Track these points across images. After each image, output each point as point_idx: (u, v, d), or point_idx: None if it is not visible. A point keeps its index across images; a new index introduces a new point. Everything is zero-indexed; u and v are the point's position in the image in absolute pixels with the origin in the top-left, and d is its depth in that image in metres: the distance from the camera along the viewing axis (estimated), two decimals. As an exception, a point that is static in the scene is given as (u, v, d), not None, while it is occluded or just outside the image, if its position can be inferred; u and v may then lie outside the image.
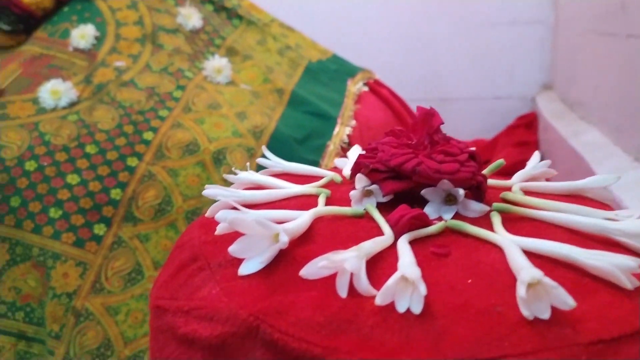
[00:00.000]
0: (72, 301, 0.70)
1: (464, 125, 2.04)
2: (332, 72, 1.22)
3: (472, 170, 0.40)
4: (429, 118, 0.42)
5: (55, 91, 0.85)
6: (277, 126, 0.91)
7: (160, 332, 0.33)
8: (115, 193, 0.76)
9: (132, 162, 0.79)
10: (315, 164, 0.92)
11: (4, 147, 0.77)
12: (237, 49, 1.07)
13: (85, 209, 0.75)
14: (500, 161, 0.48)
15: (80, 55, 0.95)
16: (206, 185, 0.43)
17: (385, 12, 2.06)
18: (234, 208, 0.39)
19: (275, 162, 0.57)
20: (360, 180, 0.44)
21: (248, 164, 0.61)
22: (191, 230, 0.41)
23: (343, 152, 0.97)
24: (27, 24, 1.00)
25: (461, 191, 0.39)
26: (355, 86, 1.16)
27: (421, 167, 0.39)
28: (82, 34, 0.96)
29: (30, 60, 0.94)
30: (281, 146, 0.89)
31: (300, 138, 0.93)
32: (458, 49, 2.05)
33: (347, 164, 0.55)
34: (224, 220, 0.36)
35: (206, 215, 0.43)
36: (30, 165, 0.76)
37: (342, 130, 0.99)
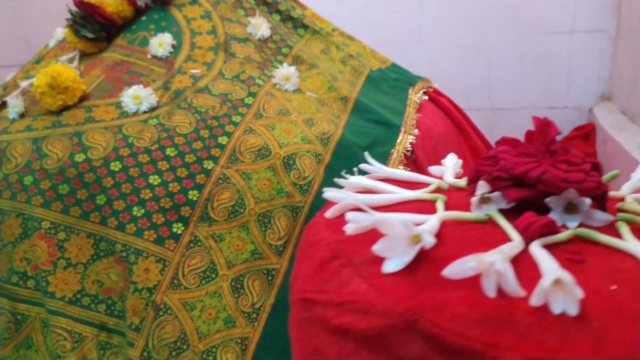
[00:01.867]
0: (152, 296, 0.74)
1: (517, 135, 2.00)
2: (393, 80, 1.23)
3: (597, 180, 0.41)
4: (545, 128, 0.44)
5: (137, 96, 0.89)
6: (343, 133, 0.94)
7: (309, 322, 0.35)
8: (193, 194, 0.80)
9: (208, 165, 0.82)
10: (380, 171, 0.93)
11: (91, 148, 0.83)
12: (303, 58, 1.10)
13: (165, 209, 0.79)
14: (616, 172, 0.49)
15: (158, 63, 1.00)
16: (325, 189, 0.46)
17: (439, 21, 2.06)
18: (358, 209, 0.42)
19: (378, 168, 0.59)
20: (482, 187, 0.45)
21: (356, 169, 0.63)
22: (317, 230, 0.43)
23: (406, 160, 0.98)
24: (108, 32, 1.06)
25: (588, 200, 0.40)
26: (416, 95, 1.17)
27: (547, 175, 0.40)
28: (161, 43, 1.01)
29: (112, 66, 1.00)
30: (347, 153, 0.91)
31: (364, 145, 0.95)
32: (512, 58, 2.02)
33: (446, 171, 0.56)
34: (357, 221, 0.38)
35: (327, 216, 0.45)
36: (115, 166, 0.81)
37: (405, 139, 1.00)
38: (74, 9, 1.07)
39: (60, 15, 2.31)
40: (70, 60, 1.05)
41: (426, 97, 1.20)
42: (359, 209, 0.40)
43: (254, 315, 0.77)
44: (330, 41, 1.21)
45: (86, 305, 0.76)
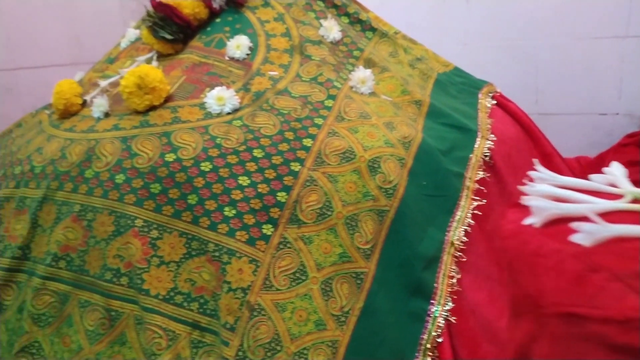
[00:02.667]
0: (246, 296, 0.74)
1: (565, 141, 1.96)
2: (459, 84, 1.22)
3: None
4: None
5: (221, 98, 0.90)
6: (423, 137, 0.93)
7: (580, 339, 0.34)
8: (281, 196, 0.80)
9: (295, 166, 0.83)
10: (460, 176, 0.93)
11: (181, 148, 0.84)
12: (375, 61, 1.10)
13: (255, 210, 0.79)
14: None
15: (235, 65, 1.01)
16: (524, 197, 0.46)
17: (485, 24, 2.04)
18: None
19: (550, 176, 0.58)
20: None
21: (544, 169, 0.61)
22: (534, 239, 0.43)
23: (485, 165, 0.97)
24: (184, 34, 1.08)
25: None
26: (486, 99, 1.16)
27: None
28: (238, 45, 1.02)
29: (191, 68, 1.01)
30: (428, 157, 0.91)
31: (444, 150, 0.94)
32: (561, 62, 1.98)
33: (622, 181, 0.55)
34: (593, 233, 0.37)
35: (536, 225, 0.44)
36: (205, 166, 0.82)
37: (482, 144, 1.00)
38: (150, 9, 1.09)
39: (110, 15, 2.35)
40: (148, 61, 1.06)
41: (494, 102, 1.18)
42: (578, 219, 0.40)
43: (343, 319, 0.77)
44: (397, 44, 1.21)
45: (179, 303, 0.77)
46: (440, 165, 0.91)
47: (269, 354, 0.72)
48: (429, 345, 0.77)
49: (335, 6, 1.20)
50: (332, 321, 0.76)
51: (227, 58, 1.02)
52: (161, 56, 1.07)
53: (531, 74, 2.05)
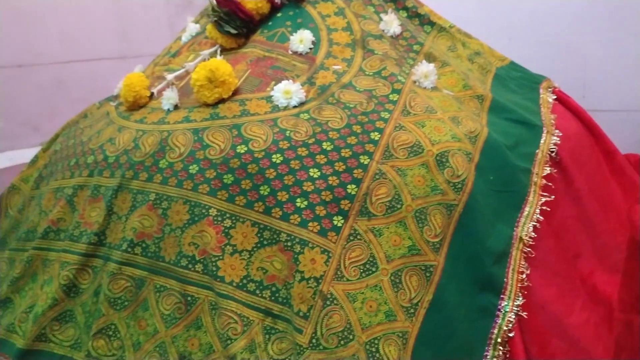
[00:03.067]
0: (319, 285, 0.76)
1: (613, 138, 1.93)
2: (518, 79, 1.21)
3: None
4: None
5: (288, 91, 0.92)
6: (489, 132, 0.93)
7: None
8: (351, 188, 0.82)
9: (364, 160, 0.84)
10: (527, 171, 0.92)
11: (251, 140, 0.86)
12: (435, 55, 1.10)
13: (326, 201, 0.81)
14: None
15: (299, 59, 1.02)
16: None
17: (531, 18, 2.00)
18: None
19: None
20: None
21: None
22: None
23: (551, 161, 0.96)
24: (248, 28, 1.10)
25: None
26: (547, 95, 1.15)
27: None
28: (301, 39, 1.03)
29: (255, 62, 1.03)
30: (495, 153, 0.91)
31: (509, 145, 0.94)
32: (610, 57, 1.93)
33: None
34: None
35: None
36: (276, 158, 0.83)
37: (548, 139, 0.99)
38: (214, 4, 1.11)
39: (155, 10, 2.39)
40: (212, 55, 1.09)
41: (555, 97, 1.17)
42: None
43: (412, 311, 0.78)
44: (456, 38, 1.20)
45: (252, 290, 0.79)
46: (507, 160, 0.90)
47: (342, 342, 0.74)
48: (499, 340, 0.77)
49: (393, 0, 1.20)
50: (402, 312, 0.77)
51: (290, 52, 1.04)
52: (224, 50, 1.10)
53: (579, 70, 2.00)
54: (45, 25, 1.75)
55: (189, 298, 0.81)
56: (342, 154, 0.84)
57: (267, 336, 0.78)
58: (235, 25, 1.07)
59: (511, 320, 0.78)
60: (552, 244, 0.87)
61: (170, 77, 1.07)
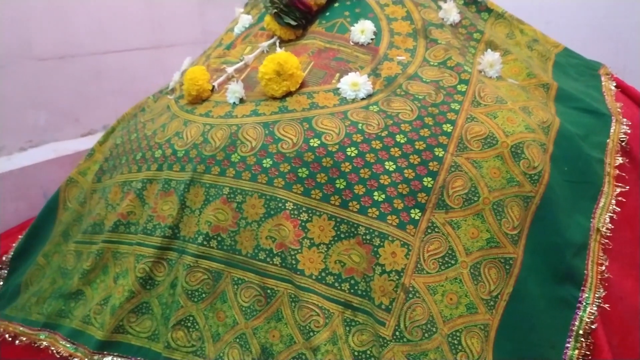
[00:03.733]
0: (401, 278, 0.76)
1: None
2: (576, 66, 1.19)
3: None
4: None
5: (355, 83, 0.92)
6: (561, 122, 0.92)
7: None
8: (427, 181, 0.81)
9: (438, 152, 0.83)
10: (601, 162, 0.91)
11: (324, 134, 0.86)
12: (497, 43, 1.08)
13: (403, 194, 0.81)
14: None
15: (361, 50, 1.01)
16: None
17: (568, 1, 1.96)
18: None
19: None
20: None
21: None
22: None
23: (621, 150, 0.95)
24: (306, 20, 1.09)
25: None
26: (609, 82, 1.13)
27: None
28: (362, 30, 1.02)
29: (317, 53, 1.02)
30: (568, 143, 0.90)
31: (581, 135, 0.92)
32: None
33: None
34: None
35: None
36: (351, 151, 0.83)
37: (618, 128, 0.97)
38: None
39: (187, 1, 2.38)
40: (271, 47, 1.09)
41: (615, 84, 1.15)
42: None
43: (492, 303, 0.78)
44: (513, 25, 1.18)
45: (330, 283, 0.80)
46: (581, 151, 0.89)
47: (426, 334, 0.74)
48: (581, 332, 0.77)
49: (449, -13, 1.18)
50: (482, 305, 0.78)
51: (351, 43, 1.03)
52: (283, 42, 1.09)
53: (618, 54, 1.96)
54: (80, 17, 1.76)
55: (269, 291, 0.82)
56: (416, 147, 0.84)
57: (347, 328, 0.78)
58: (294, 17, 1.06)
59: (593, 312, 0.78)
60: (628, 235, 0.86)
61: (230, 70, 1.07)
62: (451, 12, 1.10)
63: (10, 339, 1.04)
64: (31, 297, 1.10)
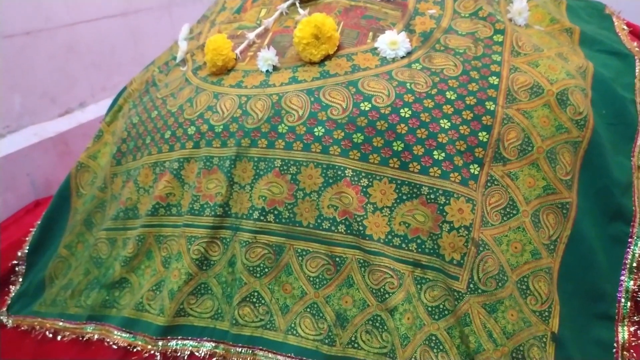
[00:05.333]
0: (470, 233, 0.78)
1: None
2: (585, 8, 1.21)
3: None
4: None
5: (394, 42, 0.90)
6: (595, 66, 0.94)
7: None
8: (482, 135, 0.82)
9: (489, 106, 0.84)
10: (633, 102, 0.94)
11: (374, 96, 0.84)
12: (516, -11, 1.08)
13: (461, 151, 0.82)
14: None
15: (389, 6, 0.99)
16: None
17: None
18: None
19: None
20: None
21: None
22: None
23: (646, 90, 0.99)
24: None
25: None
26: (619, 22, 1.15)
27: None
28: (387, -17, 0.99)
29: (344, 12, 0.99)
30: (604, 86, 0.92)
31: (612, 77, 0.95)
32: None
33: None
34: None
35: None
36: (405, 112, 0.83)
37: (642, 68, 1.00)
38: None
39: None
40: (292, 8, 1.04)
41: (625, 24, 1.18)
42: None
43: (552, 247, 0.82)
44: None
45: (398, 245, 0.81)
46: (615, 93, 0.92)
47: (499, 284, 0.77)
48: (634, 264, 0.82)
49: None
50: (544, 250, 0.81)
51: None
52: (302, 2, 1.05)
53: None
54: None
55: (337, 259, 0.83)
56: (467, 102, 0.84)
57: (418, 286, 0.80)
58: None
59: (645, 246, 0.83)
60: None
61: (251, 35, 1.02)
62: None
63: (50, 335, 1.01)
64: (61, 291, 1.06)
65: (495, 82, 0.86)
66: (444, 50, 0.90)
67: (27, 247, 1.19)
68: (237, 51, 1.01)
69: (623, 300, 0.81)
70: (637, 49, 1.05)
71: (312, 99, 0.86)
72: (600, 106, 0.90)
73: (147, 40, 2.11)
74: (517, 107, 0.84)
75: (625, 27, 1.14)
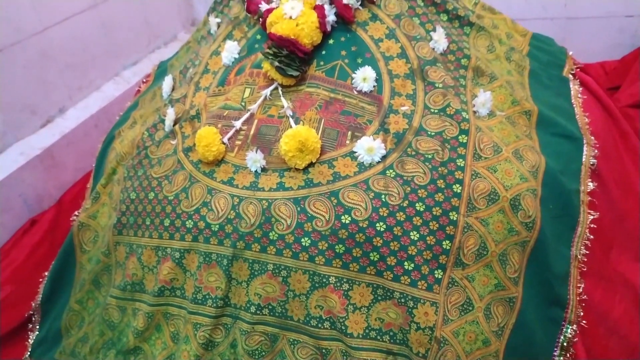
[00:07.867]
0: (433, 332, 0.94)
1: (591, 46, 2.05)
2: (546, 65, 1.29)
3: None
4: None
5: (371, 148, 1.00)
6: (546, 161, 1.05)
7: None
8: (446, 244, 0.96)
9: (453, 216, 0.97)
10: (577, 192, 1.08)
11: (353, 209, 0.96)
12: (483, 69, 1.16)
13: (427, 260, 0.95)
14: None
15: (365, 99, 1.07)
16: None
17: None
18: None
19: None
20: None
21: None
22: None
23: (592, 173, 1.12)
24: (304, 63, 1.10)
25: None
26: (575, 86, 1.25)
27: None
28: (364, 77, 1.06)
29: (324, 107, 1.07)
30: (552, 181, 1.05)
31: (561, 168, 1.07)
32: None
33: None
34: None
35: None
36: (380, 226, 0.95)
37: (589, 152, 1.12)
38: (270, 43, 1.09)
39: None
40: (274, 93, 1.10)
41: (579, 86, 1.28)
42: None
43: (500, 332, 0.99)
44: (493, 36, 1.25)
45: (374, 337, 0.97)
46: (563, 187, 1.05)
47: (458, 371, 0.95)
48: (565, 344, 1.01)
49: (434, 4, 1.20)
50: (493, 336, 0.98)
51: (355, 92, 1.07)
52: (283, 87, 1.11)
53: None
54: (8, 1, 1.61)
55: (324, 350, 0.99)
56: (434, 213, 0.96)
57: (390, 370, 0.98)
58: (296, 67, 1.07)
59: (574, 329, 1.01)
60: (596, 249, 1.07)
61: (237, 124, 1.09)
62: (441, 41, 1.14)
63: (73, 385, 1.17)
64: (78, 343, 1.21)
65: (459, 190, 0.98)
66: (414, 156, 1.00)
67: (40, 298, 1.32)
68: (225, 139, 1.09)
69: (555, 374, 1.01)
70: (587, 126, 1.17)
71: (299, 208, 0.97)
72: (549, 201, 1.04)
73: (118, 28, 2.09)
74: (477, 216, 0.97)
75: (580, 96, 1.24)
